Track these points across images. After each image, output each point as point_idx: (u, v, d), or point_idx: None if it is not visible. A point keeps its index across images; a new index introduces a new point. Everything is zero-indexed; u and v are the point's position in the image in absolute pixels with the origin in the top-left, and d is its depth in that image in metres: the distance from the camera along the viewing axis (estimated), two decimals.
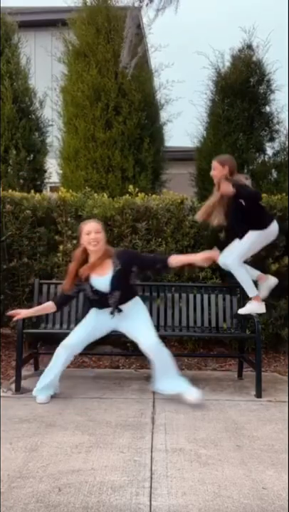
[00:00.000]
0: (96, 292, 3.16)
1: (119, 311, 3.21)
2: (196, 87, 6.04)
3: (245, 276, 3.47)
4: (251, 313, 3.46)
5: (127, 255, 3.25)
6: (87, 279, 3.14)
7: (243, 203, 3.34)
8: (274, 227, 3.49)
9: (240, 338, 3.84)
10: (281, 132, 5.87)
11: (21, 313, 3.29)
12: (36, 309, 3.39)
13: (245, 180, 3.43)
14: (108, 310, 3.22)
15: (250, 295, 3.47)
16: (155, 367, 3.12)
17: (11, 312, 3.35)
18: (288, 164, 5.63)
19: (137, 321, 3.19)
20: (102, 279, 3.12)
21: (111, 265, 3.12)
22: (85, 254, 3.16)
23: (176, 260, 3.18)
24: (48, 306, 3.29)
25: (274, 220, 3.53)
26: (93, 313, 3.31)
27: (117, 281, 3.11)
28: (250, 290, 3.45)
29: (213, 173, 3.46)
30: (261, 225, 3.44)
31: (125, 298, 3.20)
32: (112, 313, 3.21)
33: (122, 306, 3.21)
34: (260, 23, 5.82)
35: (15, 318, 3.31)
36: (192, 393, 3.05)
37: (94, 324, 3.25)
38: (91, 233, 3.06)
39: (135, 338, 3.17)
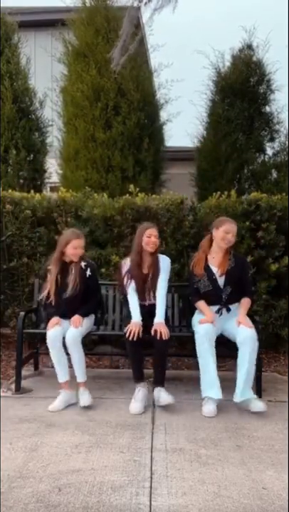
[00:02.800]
0: (214, 281, 3.26)
1: (228, 310, 3.26)
2: (196, 87, 6.05)
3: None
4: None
5: (244, 263, 3.43)
6: (208, 268, 3.30)
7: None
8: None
9: None
10: (281, 132, 5.88)
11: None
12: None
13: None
14: (214, 309, 3.26)
15: (59, 380, 3.20)
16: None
17: None
18: (288, 164, 5.63)
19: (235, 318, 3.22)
20: (219, 272, 3.28)
21: (228, 262, 3.29)
22: (210, 245, 3.35)
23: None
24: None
25: None
26: (199, 313, 3.35)
27: (229, 277, 3.25)
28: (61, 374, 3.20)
29: (80, 252, 3.37)
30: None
31: (235, 298, 3.29)
32: (218, 311, 3.26)
33: (231, 306, 3.28)
34: (260, 23, 5.83)
35: None
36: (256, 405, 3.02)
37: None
38: (229, 234, 3.24)
39: (232, 334, 3.20)
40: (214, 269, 3.30)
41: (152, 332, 3.13)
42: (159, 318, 3.21)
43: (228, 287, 3.28)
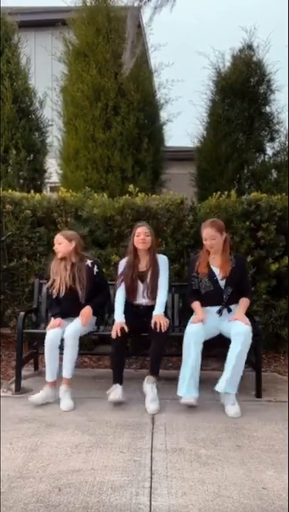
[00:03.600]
0: (216, 282, 3.29)
1: (229, 310, 3.28)
2: (196, 87, 6.05)
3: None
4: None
5: (243, 263, 3.45)
6: (209, 268, 3.34)
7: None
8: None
9: None
10: (281, 132, 5.88)
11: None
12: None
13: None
14: (215, 309, 3.28)
15: (47, 378, 3.23)
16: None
17: None
18: (288, 164, 5.63)
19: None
20: (221, 274, 3.31)
21: (229, 262, 3.32)
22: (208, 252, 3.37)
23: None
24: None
25: None
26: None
27: (231, 278, 3.28)
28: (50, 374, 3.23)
29: (58, 247, 3.43)
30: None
31: (235, 298, 3.31)
32: (220, 311, 3.27)
33: (232, 306, 3.30)
34: (260, 23, 5.83)
35: None
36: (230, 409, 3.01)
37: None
38: (206, 241, 3.30)
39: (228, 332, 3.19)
40: (216, 270, 3.32)
41: (152, 324, 3.15)
42: (158, 311, 3.25)
43: (229, 288, 3.29)
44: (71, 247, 3.44)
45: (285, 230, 4.16)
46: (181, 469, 2.25)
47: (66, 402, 3.11)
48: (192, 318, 3.25)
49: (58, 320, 3.29)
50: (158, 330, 3.12)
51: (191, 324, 3.17)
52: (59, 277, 3.42)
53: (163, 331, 3.12)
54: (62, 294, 3.40)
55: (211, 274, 3.31)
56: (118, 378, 3.17)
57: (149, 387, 3.14)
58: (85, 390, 3.45)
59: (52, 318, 3.37)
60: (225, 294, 3.29)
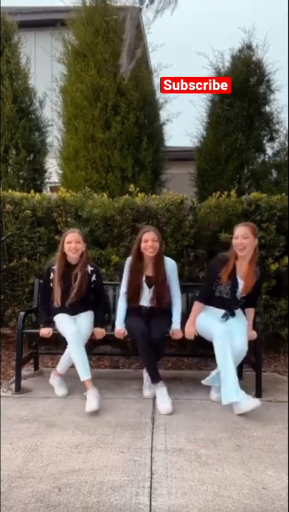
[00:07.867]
0: (234, 292, 3.23)
1: (233, 315, 3.24)
2: None
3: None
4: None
5: (263, 274, 3.43)
6: (233, 278, 3.24)
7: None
8: None
9: None
10: (281, 132, 5.89)
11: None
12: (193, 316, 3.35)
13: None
14: (221, 312, 3.24)
15: (82, 378, 3.15)
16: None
17: None
18: (288, 164, 5.63)
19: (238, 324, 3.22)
20: (242, 289, 3.24)
21: (254, 274, 3.22)
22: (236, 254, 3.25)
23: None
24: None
25: None
26: (206, 313, 3.33)
27: (253, 289, 3.25)
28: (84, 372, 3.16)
29: (77, 246, 3.35)
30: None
31: (243, 306, 3.34)
32: (225, 315, 3.22)
33: (237, 311, 3.29)
34: (259, 23, 5.84)
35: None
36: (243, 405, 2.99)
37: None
38: (237, 239, 3.17)
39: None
40: (239, 281, 3.23)
41: (171, 334, 3.28)
42: (177, 325, 3.34)
43: (244, 299, 3.28)
44: (84, 247, 3.44)
45: (285, 230, 4.17)
46: (181, 469, 2.25)
47: (91, 402, 3.01)
48: (209, 320, 3.24)
49: (47, 329, 3.36)
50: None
51: (218, 326, 3.13)
52: (65, 283, 3.37)
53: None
54: (69, 300, 3.37)
55: (234, 285, 3.22)
56: (158, 375, 3.17)
57: (158, 390, 3.14)
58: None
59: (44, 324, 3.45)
60: (239, 303, 3.28)
